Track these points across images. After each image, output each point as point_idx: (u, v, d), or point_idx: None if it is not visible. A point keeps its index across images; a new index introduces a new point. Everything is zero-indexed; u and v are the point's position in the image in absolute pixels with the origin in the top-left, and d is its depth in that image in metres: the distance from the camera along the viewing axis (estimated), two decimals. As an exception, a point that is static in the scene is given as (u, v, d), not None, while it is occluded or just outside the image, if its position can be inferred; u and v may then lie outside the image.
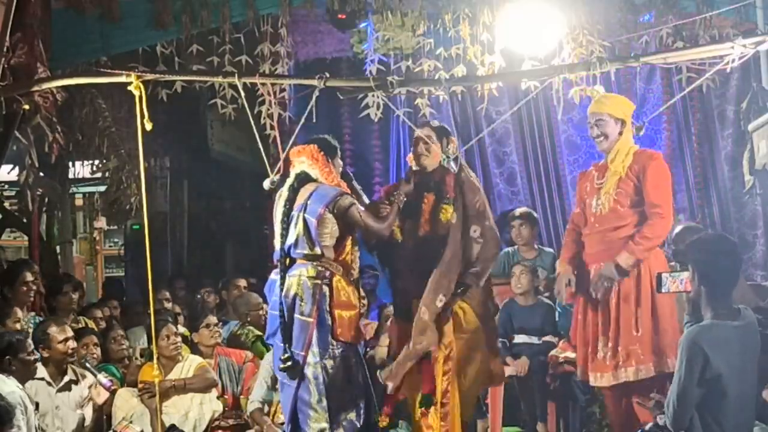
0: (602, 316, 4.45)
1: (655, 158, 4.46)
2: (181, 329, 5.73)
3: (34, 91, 4.89)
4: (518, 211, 6.36)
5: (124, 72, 4.39)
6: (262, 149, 4.49)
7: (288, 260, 4.27)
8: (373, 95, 6.16)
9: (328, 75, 4.35)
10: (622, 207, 4.41)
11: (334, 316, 4.14)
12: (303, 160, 4.34)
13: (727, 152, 7.38)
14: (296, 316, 4.15)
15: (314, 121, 4.64)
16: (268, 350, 5.20)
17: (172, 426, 4.98)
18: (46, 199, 7.79)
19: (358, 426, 4.19)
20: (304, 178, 4.32)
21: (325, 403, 4.10)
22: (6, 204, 8.47)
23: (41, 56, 4.98)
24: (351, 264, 4.31)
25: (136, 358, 5.68)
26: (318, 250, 4.18)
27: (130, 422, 4.93)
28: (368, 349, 5.48)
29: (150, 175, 7.66)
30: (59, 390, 4.77)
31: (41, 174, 5.77)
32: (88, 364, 4.98)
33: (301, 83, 4.82)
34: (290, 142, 4.44)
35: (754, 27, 5.71)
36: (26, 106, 4.94)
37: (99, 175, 7.85)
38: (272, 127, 5.79)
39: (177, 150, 8.94)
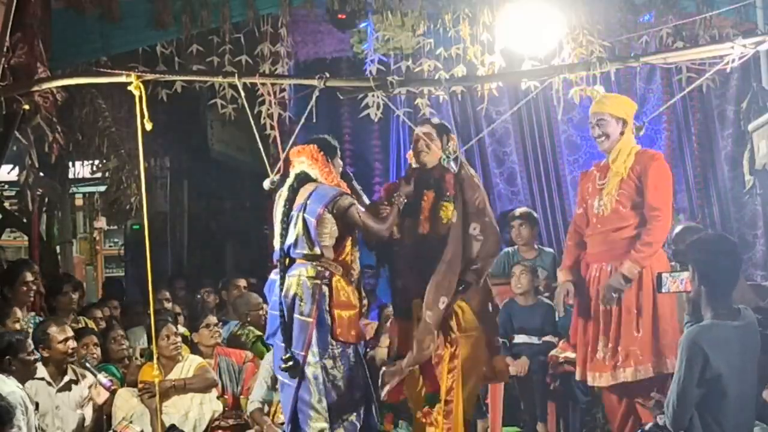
0: (603, 317, 4.45)
1: (656, 159, 4.46)
2: (181, 329, 5.73)
3: (34, 91, 4.89)
4: (518, 211, 6.36)
5: (124, 72, 4.40)
6: (262, 149, 4.49)
7: (288, 260, 4.27)
8: (373, 95, 6.16)
9: (328, 75, 4.35)
10: (624, 208, 4.41)
11: (334, 316, 4.15)
12: (303, 160, 4.34)
13: (727, 152, 7.39)
14: (296, 316, 4.15)
15: (314, 121, 4.65)
16: (268, 350, 5.20)
17: (172, 426, 4.98)
18: (46, 199, 7.79)
19: (359, 426, 4.19)
20: (303, 178, 4.32)
21: (325, 403, 4.10)
22: (6, 204, 8.47)
23: (41, 56, 4.98)
24: (351, 264, 4.30)
25: (136, 358, 5.68)
26: (317, 250, 4.18)
27: (130, 422, 4.94)
28: (368, 350, 5.48)
29: (150, 175, 7.66)
30: (59, 390, 4.77)
31: (41, 174, 5.77)
32: (88, 364, 4.98)
33: (301, 83, 4.82)
34: (290, 142, 4.44)
35: (754, 27, 5.71)
36: (26, 106, 4.94)
37: (99, 175, 7.85)
38: (272, 127, 5.79)
39: (177, 150, 8.94)
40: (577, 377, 4.67)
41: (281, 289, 4.18)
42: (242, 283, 6.92)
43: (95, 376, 4.91)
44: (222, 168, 9.56)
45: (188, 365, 5.24)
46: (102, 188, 8.44)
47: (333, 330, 4.14)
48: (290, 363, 4.11)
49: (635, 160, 4.42)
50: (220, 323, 6.00)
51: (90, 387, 4.89)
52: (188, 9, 5.61)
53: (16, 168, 5.46)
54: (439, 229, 4.40)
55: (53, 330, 4.77)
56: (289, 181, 4.34)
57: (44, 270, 6.45)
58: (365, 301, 5.13)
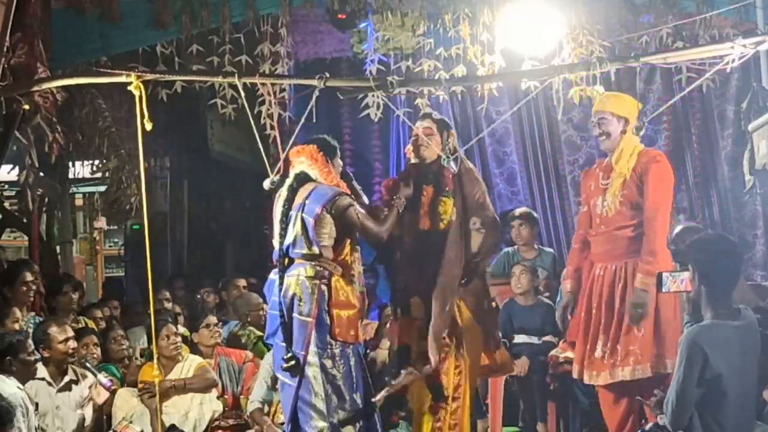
0: (605, 316, 4.44)
1: (657, 160, 4.45)
2: (181, 329, 5.73)
3: (34, 91, 4.88)
4: (518, 211, 6.36)
5: (124, 72, 4.39)
6: (262, 149, 4.49)
7: (287, 260, 4.27)
8: (373, 95, 6.15)
9: (328, 75, 4.35)
10: (626, 208, 4.41)
11: (333, 316, 4.14)
12: (302, 161, 4.34)
13: (727, 152, 7.39)
14: (295, 315, 4.15)
15: (314, 121, 4.64)
16: (269, 350, 5.20)
17: (172, 426, 4.98)
18: (46, 199, 7.79)
19: (359, 426, 4.19)
20: (303, 179, 4.32)
21: (324, 402, 4.10)
22: (6, 204, 8.47)
23: (41, 56, 4.98)
24: (351, 264, 4.30)
25: (136, 358, 5.68)
26: (316, 250, 4.18)
27: (130, 422, 4.94)
28: (368, 350, 5.48)
29: (150, 175, 7.65)
30: (59, 390, 4.77)
31: (41, 174, 5.76)
32: (88, 364, 4.98)
33: (301, 83, 4.82)
34: (290, 142, 4.44)
35: (754, 27, 5.71)
36: (26, 106, 4.94)
37: (99, 175, 7.84)
38: (272, 127, 5.79)
39: (177, 150, 8.94)
40: (574, 375, 4.67)
41: (280, 289, 4.18)
42: (242, 283, 6.92)
43: (95, 376, 4.91)
44: (222, 168, 9.57)
45: (188, 365, 5.24)
46: (102, 188, 8.44)
47: (332, 330, 4.14)
48: (291, 362, 4.11)
49: (637, 161, 4.42)
50: (220, 323, 6.00)
51: (90, 387, 4.89)
52: (188, 9, 5.61)
53: (16, 168, 5.46)
54: (439, 223, 4.40)
55: (54, 330, 4.77)
56: (289, 181, 4.34)
57: (44, 270, 6.45)
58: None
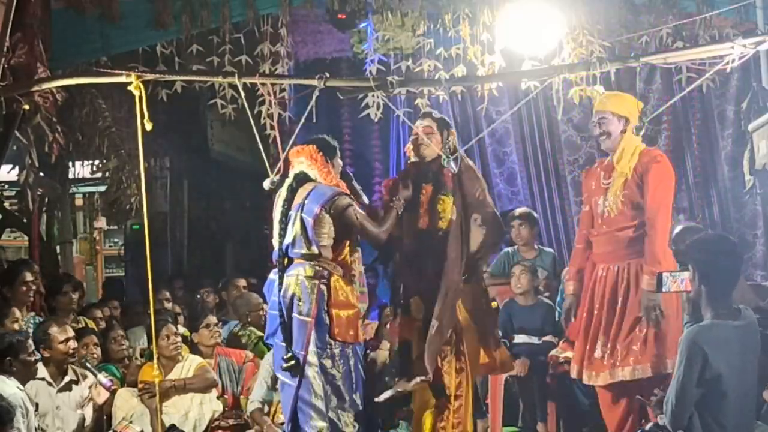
0: (606, 316, 4.44)
1: (658, 161, 4.43)
2: (181, 329, 5.73)
3: (34, 91, 4.88)
4: (518, 211, 6.35)
5: (124, 72, 4.39)
6: (262, 149, 4.49)
7: (286, 260, 4.27)
8: (373, 95, 6.15)
9: (328, 75, 4.35)
10: (628, 209, 4.41)
11: (332, 316, 4.14)
12: (302, 161, 4.34)
13: (727, 152, 7.40)
14: (294, 315, 4.15)
15: (314, 121, 4.64)
16: (270, 351, 5.20)
17: (172, 426, 4.98)
18: (46, 199, 7.79)
19: (358, 425, 4.19)
20: (302, 179, 4.32)
21: (324, 402, 4.10)
22: (6, 204, 8.47)
23: (41, 56, 4.98)
24: (351, 264, 4.30)
25: (136, 358, 5.68)
26: (315, 250, 4.18)
27: (130, 422, 4.94)
28: (368, 351, 5.48)
29: (150, 175, 7.66)
30: (60, 390, 4.77)
31: (41, 174, 5.76)
32: (88, 364, 4.98)
33: (301, 83, 4.81)
34: (290, 142, 4.44)
35: (754, 27, 5.71)
36: (26, 106, 4.94)
37: (99, 175, 7.85)
38: (272, 127, 5.79)
39: (177, 150, 8.94)
40: (573, 375, 4.67)
41: (280, 289, 4.19)
42: (242, 283, 6.92)
43: (95, 376, 4.91)
44: (222, 168, 9.57)
45: (188, 365, 5.24)
46: (102, 188, 8.45)
47: (331, 330, 4.14)
48: (291, 362, 4.11)
49: (638, 160, 4.41)
50: (220, 323, 6.00)
51: (90, 387, 4.89)
52: (188, 9, 5.61)
53: (16, 168, 5.46)
54: (438, 223, 4.40)
55: (54, 330, 4.77)
56: (288, 181, 4.34)
57: (44, 270, 6.45)
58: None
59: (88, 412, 4.86)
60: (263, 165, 4.47)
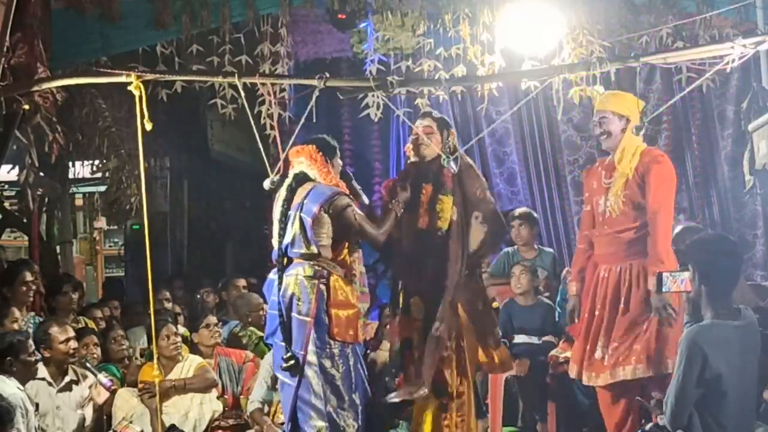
0: (608, 317, 4.44)
1: (659, 161, 4.43)
2: (181, 329, 5.73)
3: (34, 91, 4.88)
4: (518, 211, 6.35)
5: (124, 72, 4.39)
6: (262, 149, 4.49)
7: (286, 260, 4.27)
8: (373, 95, 6.16)
9: (328, 75, 4.35)
10: (629, 209, 4.40)
11: (331, 316, 4.14)
12: (301, 161, 4.34)
13: (727, 152, 7.40)
14: (294, 315, 4.15)
15: (314, 121, 4.64)
16: (270, 351, 5.21)
17: (172, 426, 4.98)
18: (46, 199, 7.79)
19: (357, 425, 4.19)
20: (302, 178, 4.32)
21: (323, 402, 4.10)
22: (6, 204, 8.46)
23: (41, 56, 4.98)
24: (351, 264, 4.30)
25: (136, 358, 5.68)
26: (314, 249, 4.18)
27: (130, 422, 4.94)
28: (368, 351, 5.48)
29: (150, 175, 7.66)
30: (60, 390, 4.77)
31: (41, 174, 5.76)
32: (88, 364, 4.98)
33: (301, 83, 4.82)
34: (290, 142, 4.44)
35: (754, 27, 5.71)
36: (26, 106, 4.94)
37: (99, 175, 7.85)
38: (272, 127, 5.79)
39: (177, 150, 8.94)
40: (572, 375, 4.67)
41: (279, 289, 4.19)
42: (242, 283, 6.91)
43: (95, 375, 4.91)
44: (222, 168, 9.57)
45: (188, 365, 5.24)
46: (102, 188, 8.45)
47: (330, 329, 4.14)
48: (291, 362, 4.11)
49: (640, 160, 4.41)
50: (220, 323, 6.00)
51: (90, 387, 4.89)
52: (188, 9, 5.61)
53: (16, 168, 5.46)
54: (437, 223, 4.40)
55: (54, 330, 4.77)
56: (288, 181, 4.34)
57: (44, 270, 6.45)
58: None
59: (89, 412, 4.86)
60: (263, 165, 4.48)
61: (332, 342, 4.15)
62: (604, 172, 4.58)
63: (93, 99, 6.96)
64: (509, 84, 7.01)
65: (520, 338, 5.59)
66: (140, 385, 5.09)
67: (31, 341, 4.55)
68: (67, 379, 4.81)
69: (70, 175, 8.27)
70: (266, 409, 5.07)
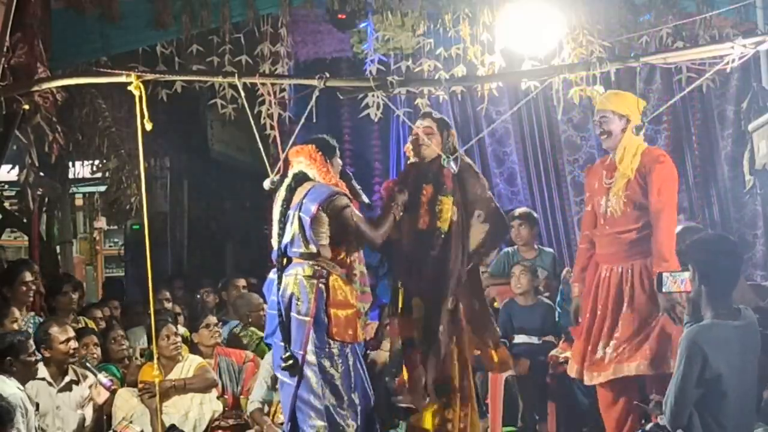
0: (611, 317, 4.43)
1: (661, 161, 4.44)
2: (181, 329, 5.73)
3: (34, 91, 4.88)
4: (518, 211, 6.36)
5: (124, 72, 4.39)
6: (262, 149, 4.49)
7: (285, 260, 4.27)
8: (373, 95, 6.15)
9: (328, 75, 4.35)
10: (631, 209, 4.40)
11: (330, 315, 4.14)
12: (301, 160, 4.34)
13: (727, 152, 7.40)
14: (293, 315, 4.14)
15: (314, 121, 4.64)
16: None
17: (172, 426, 4.98)
18: (46, 199, 7.80)
19: (356, 425, 4.19)
20: (301, 178, 4.31)
21: (322, 402, 4.10)
22: (6, 204, 8.47)
23: (41, 56, 4.98)
24: (351, 264, 4.30)
25: (136, 358, 5.68)
26: (313, 249, 4.17)
27: (130, 422, 4.94)
28: (368, 351, 5.48)
29: (150, 175, 7.66)
30: (60, 390, 4.77)
31: (41, 174, 5.76)
32: (88, 364, 4.98)
33: (301, 83, 4.81)
34: (290, 142, 4.44)
35: (754, 27, 5.71)
36: (26, 106, 4.94)
37: (99, 175, 7.85)
38: (272, 127, 5.78)
39: (177, 150, 8.94)
40: (572, 374, 4.67)
41: (279, 289, 4.19)
42: (242, 283, 6.91)
43: (95, 375, 4.91)
44: (222, 168, 9.57)
45: (188, 365, 5.24)
46: (102, 188, 8.45)
47: (329, 329, 4.13)
48: (290, 362, 4.11)
49: (641, 161, 4.41)
50: (220, 323, 5.99)
51: (90, 387, 4.89)
52: (188, 9, 5.60)
53: (16, 168, 5.46)
54: (437, 223, 4.40)
55: (55, 330, 4.77)
56: (287, 181, 4.33)
57: (44, 270, 6.45)
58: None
59: (89, 412, 4.86)
60: (263, 165, 4.47)
61: (331, 342, 4.14)
62: (605, 172, 4.58)
63: (93, 99, 6.96)
64: (509, 84, 7.01)
65: (520, 338, 5.60)
66: (140, 385, 5.09)
67: (31, 341, 4.55)
68: (67, 379, 4.81)
69: (70, 175, 8.27)
70: (266, 409, 5.08)
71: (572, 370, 4.66)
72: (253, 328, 6.09)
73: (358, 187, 4.52)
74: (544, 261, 6.17)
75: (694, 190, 7.47)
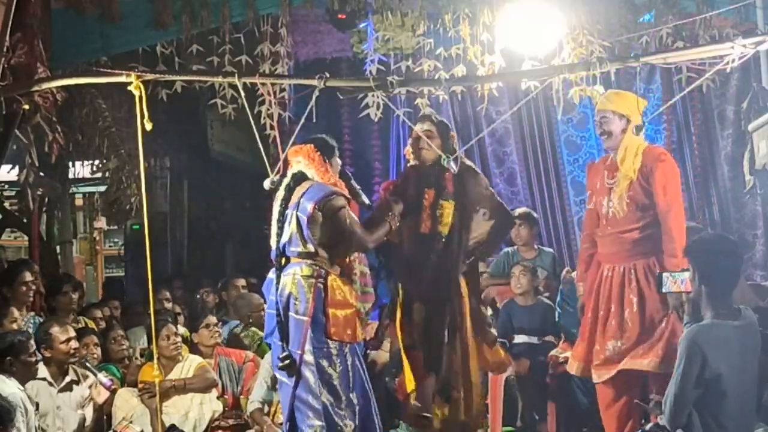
0: (617, 316, 4.43)
1: (662, 159, 4.44)
2: (181, 329, 5.73)
3: (34, 91, 4.88)
4: (517, 212, 6.34)
5: (124, 72, 4.39)
6: (262, 149, 4.49)
7: (284, 259, 4.27)
8: (373, 95, 6.16)
9: (328, 75, 4.35)
10: (633, 210, 4.40)
11: (328, 315, 4.14)
12: (299, 160, 4.33)
13: (727, 152, 7.41)
14: (291, 314, 4.14)
15: (314, 121, 4.64)
16: (271, 351, 5.21)
17: (172, 426, 4.97)
18: (46, 199, 7.80)
19: (354, 425, 4.18)
20: (300, 178, 4.30)
21: (321, 402, 4.10)
22: (6, 204, 8.47)
23: (41, 56, 4.98)
24: (350, 263, 4.30)
25: (136, 358, 5.67)
26: (311, 248, 4.17)
27: (130, 422, 4.94)
28: (368, 351, 5.47)
29: (150, 175, 7.66)
30: (60, 390, 4.77)
31: (41, 174, 5.77)
32: (88, 364, 4.98)
33: (301, 83, 4.82)
34: (290, 142, 4.44)
35: (754, 27, 5.71)
36: (26, 106, 4.94)
37: (99, 175, 7.85)
38: (272, 127, 5.79)
39: (177, 150, 8.94)
40: (572, 371, 4.66)
41: (277, 288, 4.18)
42: (242, 283, 6.91)
43: (95, 375, 4.91)
44: (222, 168, 9.57)
45: (188, 365, 5.24)
46: (102, 188, 8.45)
47: (327, 329, 4.13)
48: (287, 361, 4.11)
49: (642, 161, 4.40)
50: (220, 323, 5.99)
51: (90, 387, 4.89)
52: (188, 9, 5.60)
53: (16, 168, 5.46)
54: (439, 228, 4.40)
55: (55, 330, 4.77)
56: (286, 180, 4.32)
57: (44, 270, 6.45)
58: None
59: (89, 412, 4.86)
60: (263, 165, 4.47)
61: (329, 342, 4.14)
62: (606, 172, 4.58)
63: (93, 99, 6.96)
64: (509, 84, 7.01)
65: (520, 338, 5.60)
66: (140, 385, 5.09)
67: (32, 341, 4.55)
68: (67, 379, 4.81)
69: (70, 175, 8.27)
70: (266, 409, 5.07)
71: (573, 368, 4.66)
72: (254, 329, 6.08)
73: (357, 187, 4.52)
74: (544, 261, 6.17)
75: (694, 190, 7.47)
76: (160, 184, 8.87)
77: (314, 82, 4.35)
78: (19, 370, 4.38)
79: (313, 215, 4.14)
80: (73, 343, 4.83)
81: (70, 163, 8.01)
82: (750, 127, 5.96)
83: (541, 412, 5.50)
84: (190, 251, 9.45)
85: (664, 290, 3.69)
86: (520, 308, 5.68)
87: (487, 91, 6.19)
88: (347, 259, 4.28)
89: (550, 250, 6.54)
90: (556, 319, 5.62)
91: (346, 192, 4.29)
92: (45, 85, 4.84)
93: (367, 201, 4.52)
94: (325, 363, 4.13)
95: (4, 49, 4.80)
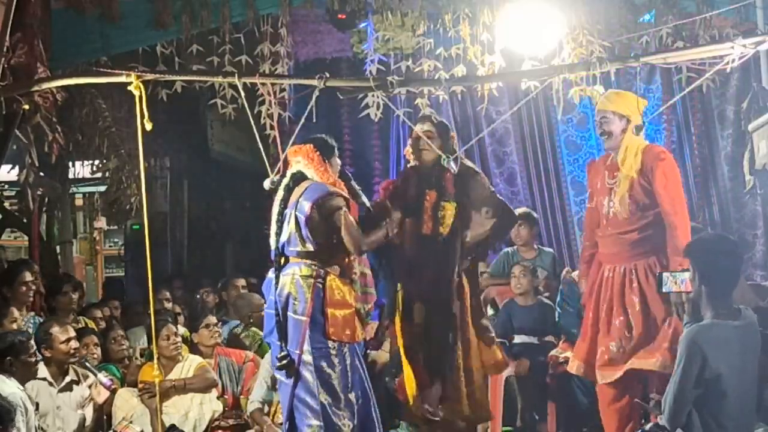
0: (619, 315, 4.43)
1: (662, 158, 4.43)
2: (181, 329, 5.73)
3: (34, 91, 4.88)
4: (518, 212, 6.32)
5: (124, 72, 4.39)
6: (262, 149, 4.49)
7: (283, 259, 4.27)
8: (373, 95, 6.16)
9: (328, 75, 4.35)
10: (634, 211, 4.40)
11: (327, 315, 4.13)
12: (299, 160, 4.33)
13: (727, 152, 7.41)
14: (290, 314, 4.14)
15: (314, 121, 4.64)
16: (271, 351, 5.21)
17: (172, 426, 4.98)
18: (46, 199, 7.80)
19: (353, 425, 4.18)
20: (299, 178, 4.30)
21: (319, 401, 4.10)
22: (6, 204, 8.47)
23: (41, 56, 4.98)
24: (350, 263, 4.29)
25: (136, 358, 5.67)
26: (310, 247, 4.16)
27: (130, 422, 4.94)
28: (368, 351, 5.47)
29: (150, 175, 7.66)
30: (60, 390, 4.77)
31: (41, 174, 5.77)
32: (88, 364, 4.98)
33: (301, 83, 4.82)
34: (290, 142, 4.44)
35: (754, 27, 5.71)
36: (26, 106, 4.94)
37: (99, 175, 7.85)
38: (272, 127, 5.79)
39: (177, 150, 8.94)
40: (573, 371, 4.66)
41: (276, 288, 4.18)
42: (242, 283, 6.90)
43: (95, 375, 4.91)
44: (222, 168, 9.57)
45: (188, 365, 5.24)
46: (102, 188, 8.45)
47: (326, 329, 4.13)
48: (285, 361, 4.11)
49: (643, 161, 4.40)
50: (220, 323, 5.99)
51: (91, 387, 4.89)
52: (188, 9, 5.61)
53: (16, 167, 5.46)
54: (440, 229, 4.40)
55: (55, 330, 4.77)
56: (285, 180, 4.31)
57: (44, 270, 6.45)
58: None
59: (89, 412, 4.86)
60: (263, 165, 4.47)
61: (328, 342, 4.14)
62: (607, 172, 4.57)
63: (93, 99, 6.97)
64: (509, 84, 7.01)
65: (519, 338, 5.60)
66: (140, 385, 5.09)
67: (32, 341, 4.55)
68: (67, 379, 4.81)
69: (70, 175, 8.27)
70: (266, 409, 5.07)
71: (573, 368, 4.65)
72: (254, 329, 6.08)
73: (357, 187, 4.50)
74: (543, 261, 6.17)
75: (694, 190, 7.47)
76: (160, 184, 8.87)
77: (314, 82, 4.35)
78: (19, 370, 4.38)
79: (311, 215, 4.13)
80: (73, 343, 4.83)
81: (70, 163, 8.01)
82: (750, 127, 5.96)
83: (541, 412, 5.50)
84: (190, 251, 9.45)
85: (664, 290, 3.69)
86: (520, 308, 5.68)
87: (487, 91, 6.19)
88: (347, 259, 4.28)
89: (550, 250, 6.54)
90: (556, 319, 5.62)
91: (345, 192, 4.28)
92: (45, 85, 4.84)
93: (367, 203, 4.51)
94: (323, 363, 4.12)
95: (4, 49, 4.80)
